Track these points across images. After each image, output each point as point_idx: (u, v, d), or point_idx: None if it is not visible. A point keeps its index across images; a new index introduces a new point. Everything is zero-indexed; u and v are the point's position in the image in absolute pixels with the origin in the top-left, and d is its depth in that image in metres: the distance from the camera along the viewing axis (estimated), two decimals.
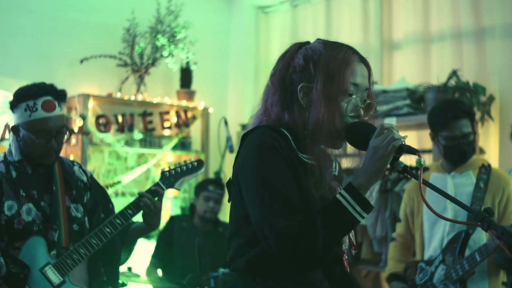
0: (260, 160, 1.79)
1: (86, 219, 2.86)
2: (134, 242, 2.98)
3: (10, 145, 2.80)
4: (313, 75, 1.87)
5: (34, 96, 2.70)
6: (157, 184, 2.97)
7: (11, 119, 2.78)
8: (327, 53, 1.88)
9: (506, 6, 4.51)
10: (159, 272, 4.76)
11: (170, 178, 3.00)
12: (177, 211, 5.13)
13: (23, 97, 2.71)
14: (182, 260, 4.63)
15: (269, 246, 1.76)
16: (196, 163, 3.07)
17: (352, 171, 1.94)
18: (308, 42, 1.99)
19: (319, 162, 1.87)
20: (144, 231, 2.92)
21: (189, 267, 4.51)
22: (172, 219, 4.85)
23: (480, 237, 3.29)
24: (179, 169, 3.04)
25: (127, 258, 3.02)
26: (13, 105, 2.74)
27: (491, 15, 4.59)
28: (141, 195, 2.86)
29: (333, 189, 1.91)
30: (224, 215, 5.82)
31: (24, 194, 2.69)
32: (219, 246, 4.72)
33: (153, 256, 4.76)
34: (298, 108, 1.89)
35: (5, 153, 2.78)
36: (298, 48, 1.96)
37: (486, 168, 3.38)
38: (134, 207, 2.86)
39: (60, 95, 2.76)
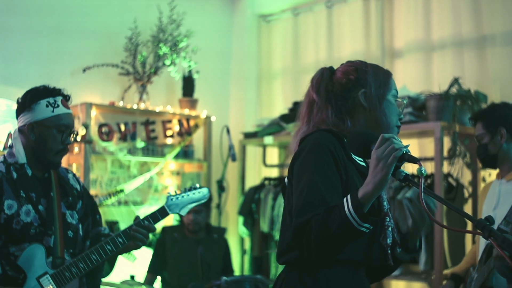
0: (310, 157, 1.98)
1: (80, 226, 2.88)
2: (116, 258, 3.01)
3: (10, 148, 2.80)
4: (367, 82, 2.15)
5: (53, 94, 2.80)
6: (162, 209, 3.03)
7: (22, 120, 2.79)
8: (371, 66, 2.21)
9: (507, 14, 4.53)
10: (157, 285, 4.75)
11: (175, 203, 3.08)
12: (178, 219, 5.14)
13: (42, 95, 2.78)
14: (178, 270, 4.63)
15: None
16: (201, 192, 3.18)
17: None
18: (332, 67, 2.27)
19: None
20: (125, 250, 2.93)
21: (186, 276, 4.51)
22: (164, 230, 4.84)
23: None
24: (184, 195, 3.12)
25: (110, 272, 3.04)
26: (29, 104, 2.77)
27: (492, 23, 4.61)
28: (135, 230, 2.88)
29: None
30: (226, 221, 5.84)
31: (24, 195, 2.70)
32: (215, 253, 4.73)
33: (149, 271, 4.74)
34: (360, 112, 2.13)
35: (4, 155, 2.79)
36: (329, 69, 2.24)
37: None
38: (138, 227, 2.90)
39: (69, 97, 2.87)
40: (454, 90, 4.30)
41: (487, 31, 4.64)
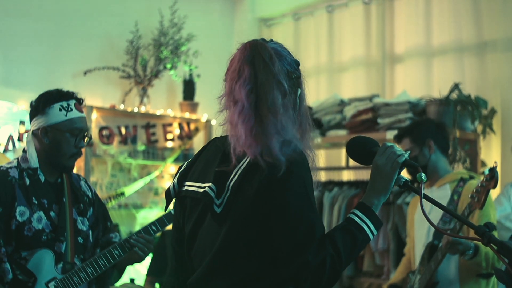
0: (302, 185, 1.72)
1: (90, 232, 2.88)
2: (125, 266, 3.00)
3: (24, 152, 2.79)
4: (302, 82, 1.92)
5: (67, 98, 2.77)
6: (169, 214, 2.98)
7: (36, 124, 2.77)
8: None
9: (507, 20, 4.54)
10: None
11: None
12: None
13: (56, 99, 2.76)
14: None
15: (285, 269, 1.70)
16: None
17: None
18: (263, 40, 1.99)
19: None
20: (133, 260, 2.92)
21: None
22: (164, 234, 4.83)
23: None
24: None
25: (118, 279, 3.04)
26: (42, 108, 2.75)
27: (492, 28, 4.62)
28: (140, 237, 2.85)
29: None
30: None
31: (36, 202, 2.69)
32: None
33: (148, 274, 4.73)
34: (300, 116, 1.90)
35: (17, 159, 2.78)
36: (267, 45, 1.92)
37: (464, 181, 3.38)
38: (145, 232, 2.89)
39: (82, 101, 2.85)
40: (454, 95, 4.30)
41: (487, 36, 4.65)
